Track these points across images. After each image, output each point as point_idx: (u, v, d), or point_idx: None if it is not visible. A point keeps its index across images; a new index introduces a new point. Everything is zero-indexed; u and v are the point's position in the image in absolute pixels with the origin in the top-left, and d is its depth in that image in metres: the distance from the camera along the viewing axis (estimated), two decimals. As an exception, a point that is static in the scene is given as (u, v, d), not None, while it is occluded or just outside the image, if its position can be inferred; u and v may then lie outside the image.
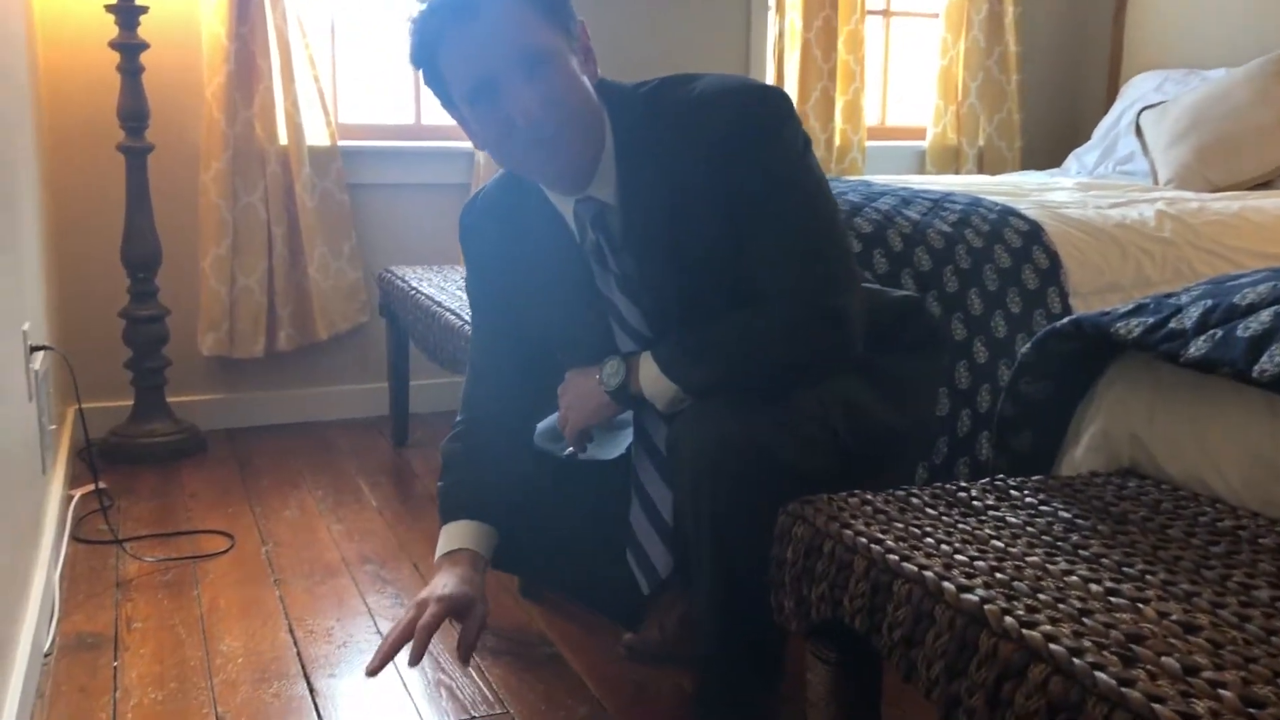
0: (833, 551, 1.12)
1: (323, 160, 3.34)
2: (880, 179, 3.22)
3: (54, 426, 2.34)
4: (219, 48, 3.13)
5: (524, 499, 1.66)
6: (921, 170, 4.09)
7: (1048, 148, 4.21)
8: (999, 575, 1.01)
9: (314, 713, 1.77)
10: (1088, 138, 3.94)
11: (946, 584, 0.98)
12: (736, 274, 1.47)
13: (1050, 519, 1.19)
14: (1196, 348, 1.20)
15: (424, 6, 1.40)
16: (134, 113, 3.00)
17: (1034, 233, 2.40)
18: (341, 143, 3.37)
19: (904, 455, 1.74)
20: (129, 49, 2.97)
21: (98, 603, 2.16)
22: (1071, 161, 3.85)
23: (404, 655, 1.49)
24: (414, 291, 2.80)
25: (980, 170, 4.07)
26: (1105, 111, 3.97)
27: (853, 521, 1.15)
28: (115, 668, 1.91)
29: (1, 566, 1.72)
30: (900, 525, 1.15)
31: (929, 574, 1.00)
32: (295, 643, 2.01)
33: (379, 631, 2.04)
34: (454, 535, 1.61)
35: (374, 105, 3.61)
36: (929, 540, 1.11)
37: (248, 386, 3.44)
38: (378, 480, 2.93)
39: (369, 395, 3.49)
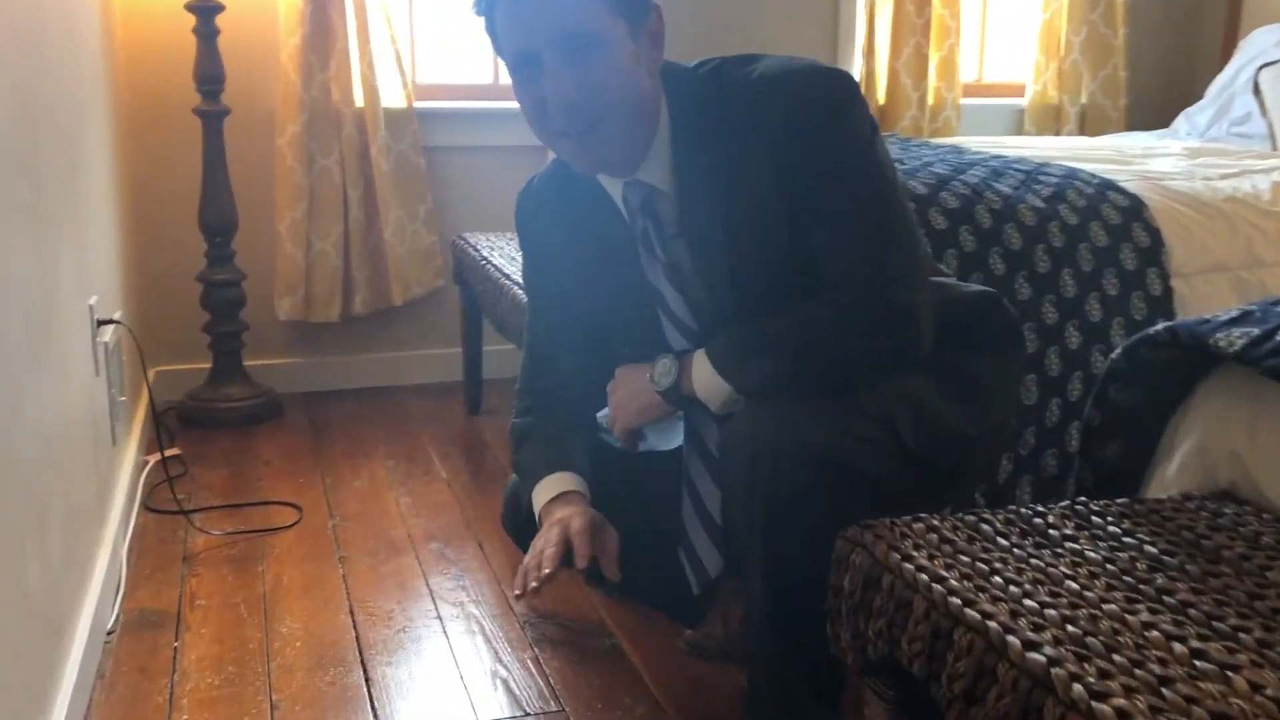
0: (892, 587, 1.04)
1: (399, 122, 3.29)
2: (974, 141, 3.07)
3: (124, 398, 2.34)
4: (294, 9, 3.09)
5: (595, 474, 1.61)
6: (1019, 130, 3.90)
7: (1156, 106, 3.98)
8: (1071, 628, 0.92)
9: (368, 703, 1.75)
10: (1200, 96, 3.71)
11: (1011, 638, 0.89)
12: (795, 266, 1.38)
13: (1134, 554, 1.08)
14: (1306, 368, 1.08)
15: None
16: (209, 76, 2.98)
17: (1135, 209, 2.24)
18: (418, 104, 3.32)
19: (974, 461, 1.63)
20: (205, 11, 2.94)
21: (163, 577, 2.17)
22: (1181, 122, 3.63)
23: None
24: (484, 262, 2.74)
25: (1082, 131, 3.86)
26: (1220, 68, 3.73)
27: (915, 554, 1.06)
28: (175, 648, 1.91)
29: (65, 544, 1.72)
30: (966, 559, 1.06)
31: (993, 624, 0.92)
32: (355, 625, 1.99)
33: (439, 615, 2.01)
34: (549, 486, 1.56)
35: (451, 65, 3.54)
36: (997, 579, 1.02)
37: (324, 351, 3.43)
38: (449, 450, 2.90)
39: (444, 360, 3.47)
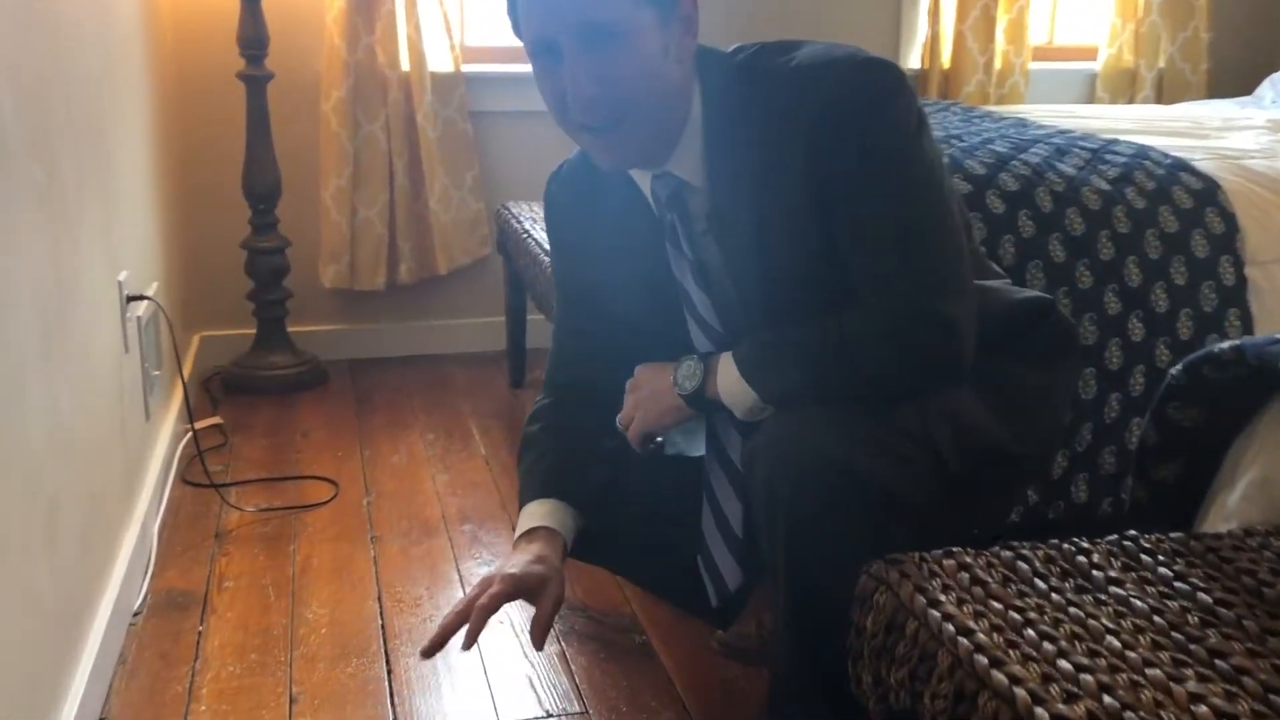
0: (916, 635, 0.96)
1: (446, 87, 3.21)
2: (1040, 111, 2.92)
3: (159, 371, 2.31)
4: (339, -30, 3.02)
5: (607, 486, 1.53)
6: (1090, 97, 3.72)
7: (1240, 71, 3.77)
8: (1108, 698, 0.84)
9: (388, 697, 1.71)
10: (1287, 61, 3.51)
11: (1041, 710, 0.81)
12: (829, 269, 1.29)
13: (1185, 603, 0.99)
14: (1388, 402, 0.97)
15: None
16: (253, 40, 2.93)
17: (1208, 191, 2.10)
18: (465, 68, 3.24)
19: (1018, 480, 1.54)
20: (247, -27, 2.88)
21: (194, 556, 2.15)
22: (1267, 88, 3.43)
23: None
24: (525, 235, 2.67)
25: (1159, 98, 3.68)
26: (1310, 31, 3.52)
27: (942, 598, 0.98)
28: (200, 632, 1.89)
29: (83, 529, 1.70)
30: (999, 605, 0.98)
31: (1021, 691, 0.84)
32: (381, 613, 1.95)
33: (467, 605, 1.97)
34: (533, 515, 1.48)
35: (500, 27, 3.45)
36: (1031, 633, 0.93)
37: (369, 318, 3.40)
38: (489, 425, 2.85)
39: (490, 329, 3.41)
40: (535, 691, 1.73)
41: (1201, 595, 1.00)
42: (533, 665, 1.80)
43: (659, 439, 1.45)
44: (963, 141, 2.21)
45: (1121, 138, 2.35)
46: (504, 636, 1.87)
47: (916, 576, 1.02)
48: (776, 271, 1.33)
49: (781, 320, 1.33)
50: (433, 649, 1.32)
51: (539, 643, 1.37)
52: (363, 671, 1.78)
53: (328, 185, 3.16)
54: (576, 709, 1.69)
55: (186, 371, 2.99)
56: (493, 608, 1.33)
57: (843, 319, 1.27)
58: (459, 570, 2.10)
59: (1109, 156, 2.17)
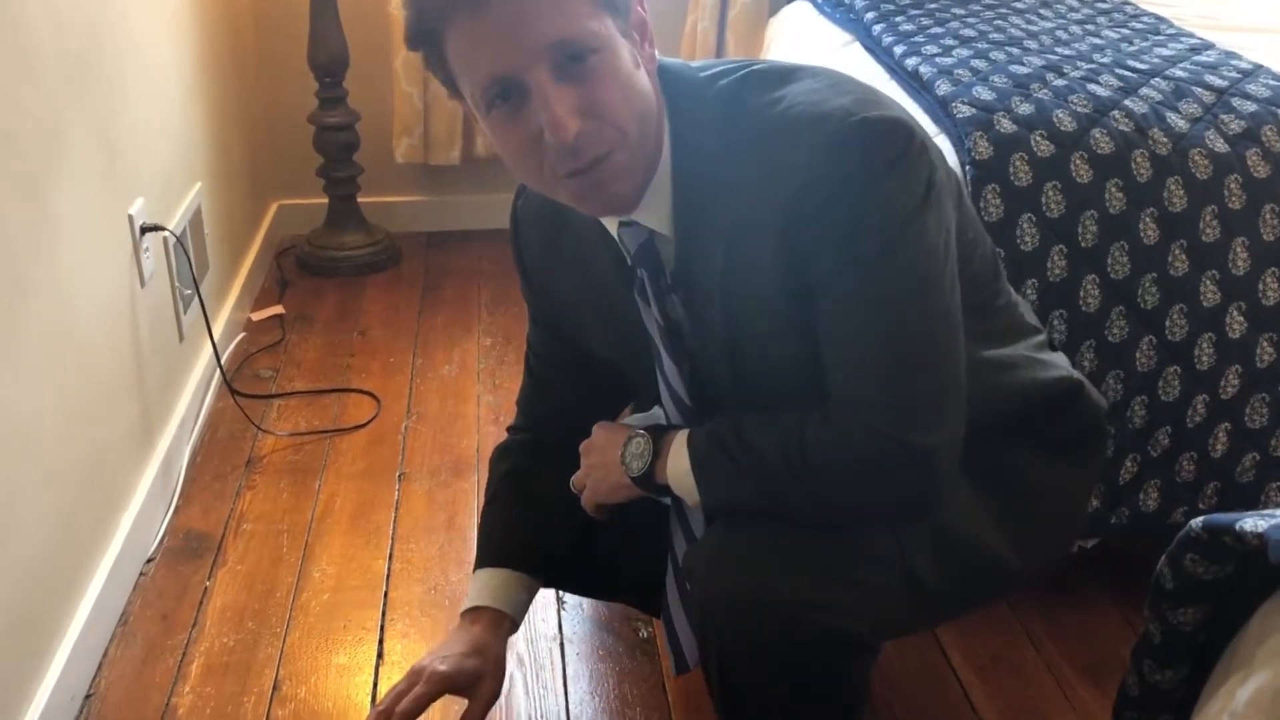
0: None
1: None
2: (1183, 18, 2.44)
3: (190, 291, 2.26)
4: None
5: (571, 546, 1.42)
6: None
7: None
8: None
9: (371, 689, 1.68)
10: None
11: None
12: (804, 351, 1.10)
13: None
14: None
15: None
16: (312, -99, 2.72)
17: (1357, 155, 1.75)
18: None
19: (1008, 589, 1.35)
20: None
21: (220, 489, 2.14)
22: None
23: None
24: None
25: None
26: None
27: None
28: (205, 589, 1.88)
29: (90, 479, 1.71)
30: None
31: None
32: (388, 579, 1.91)
33: (475, 572, 1.91)
34: (483, 587, 1.39)
35: None
36: None
37: (445, 191, 3.27)
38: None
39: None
40: (521, 699, 1.67)
41: None
42: (528, 656, 1.74)
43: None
44: (1063, 77, 1.88)
45: (1271, 65, 1.97)
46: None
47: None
48: (745, 345, 1.14)
49: (753, 402, 1.14)
50: None
51: None
52: (351, 655, 1.75)
53: (398, 54, 3.00)
54: (558, 709, 1.63)
55: (258, 243, 2.97)
56: (416, 711, 1.25)
57: (807, 429, 1.08)
58: (475, 527, 2.03)
59: (1236, 102, 1.82)
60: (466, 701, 1.31)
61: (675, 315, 1.18)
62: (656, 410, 1.30)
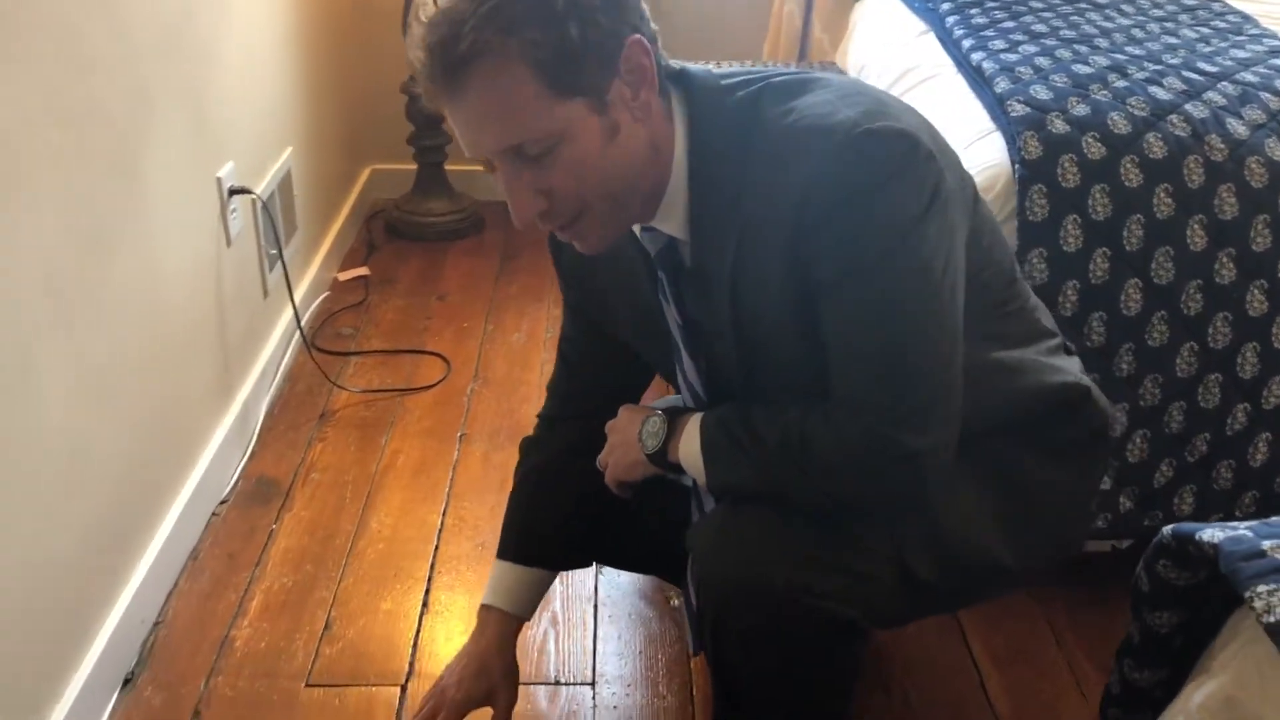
0: None
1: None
2: (1271, 15, 2.40)
3: (274, 250, 2.39)
4: None
5: (587, 536, 1.51)
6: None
7: None
8: None
9: (413, 637, 1.79)
10: None
11: None
12: (804, 353, 1.15)
13: None
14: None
15: (415, 58, 1.06)
16: (411, -123, 2.81)
17: None
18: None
19: (1006, 588, 1.38)
20: None
21: (293, 438, 2.27)
22: None
23: None
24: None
25: None
26: None
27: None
28: (271, 531, 2.01)
29: (169, 424, 1.85)
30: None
31: None
32: (440, 532, 2.02)
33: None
34: (496, 584, 1.49)
35: None
36: None
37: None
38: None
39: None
40: (551, 655, 1.76)
41: None
42: (560, 624, 1.82)
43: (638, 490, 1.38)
44: (1125, 78, 1.88)
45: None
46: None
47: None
48: (754, 343, 1.19)
49: (763, 397, 1.20)
50: None
51: None
52: (399, 604, 1.86)
53: (490, 28, 3.07)
54: (585, 679, 1.72)
55: (349, 206, 3.10)
56: None
57: (808, 423, 1.13)
58: (529, 487, 2.13)
59: (1304, 110, 1.80)
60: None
61: (692, 314, 1.25)
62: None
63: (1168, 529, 1.04)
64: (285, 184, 2.51)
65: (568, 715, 1.65)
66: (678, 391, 1.38)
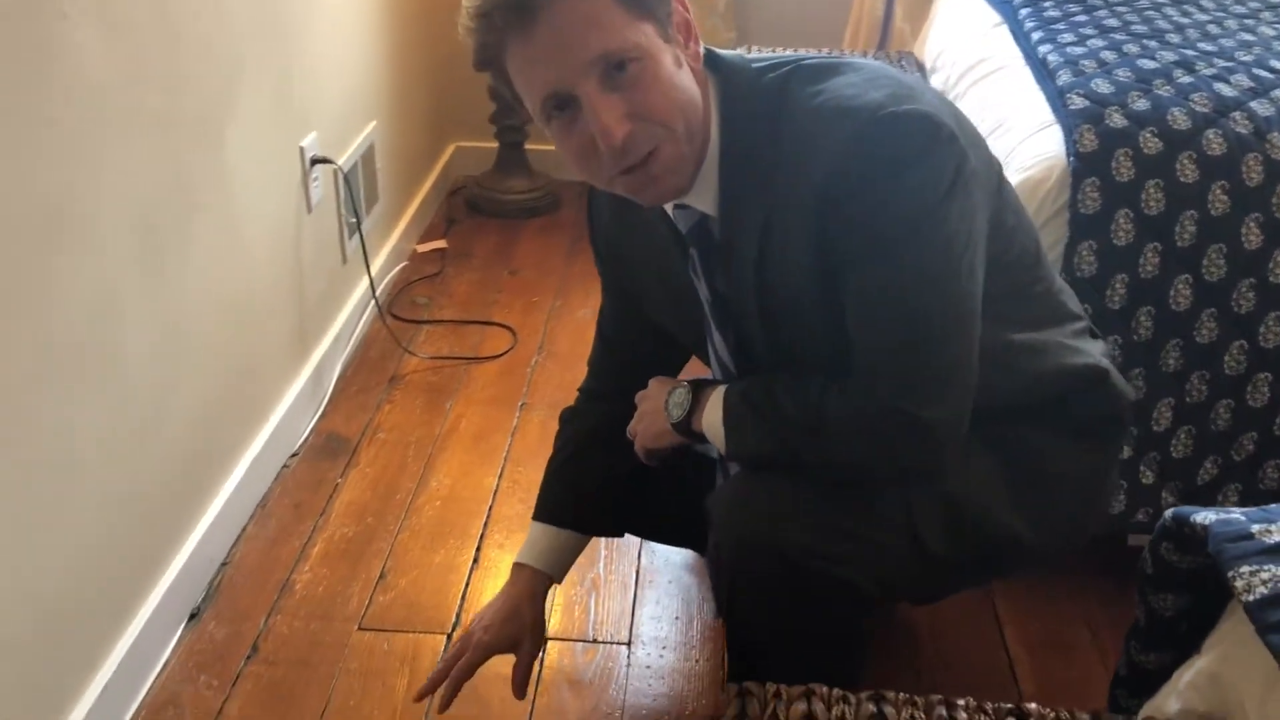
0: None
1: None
2: None
3: (355, 219, 2.49)
4: None
5: (621, 503, 1.57)
6: None
7: None
8: None
9: (462, 589, 1.87)
10: None
11: None
12: (826, 327, 1.20)
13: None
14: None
15: (474, 5, 1.13)
16: None
17: None
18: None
19: (1023, 563, 1.40)
20: None
21: (363, 400, 2.37)
22: None
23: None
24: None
25: None
26: None
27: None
28: (337, 485, 2.11)
29: (244, 379, 1.97)
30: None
31: None
32: (495, 494, 2.10)
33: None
34: (532, 544, 1.56)
35: None
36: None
37: (609, 145, 3.42)
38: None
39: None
40: (592, 611, 1.83)
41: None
42: (602, 583, 1.89)
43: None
44: (1191, 74, 1.88)
45: None
46: (593, 549, 1.93)
47: (754, 714, 1.00)
48: (779, 318, 1.24)
49: (788, 368, 1.25)
50: (420, 696, 1.49)
51: (519, 693, 1.48)
52: (451, 558, 1.94)
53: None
54: (621, 638, 1.78)
55: (432, 179, 3.20)
56: (466, 676, 1.45)
57: (827, 395, 1.18)
58: (584, 456, 2.20)
59: (1373, 111, 1.78)
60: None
61: (721, 289, 1.30)
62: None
63: (1169, 512, 1.07)
64: (368, 156, 2.61)
65: (602, 671, 1.72)
66: (709, 367, 1.43)
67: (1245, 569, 0.92)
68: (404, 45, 2.89)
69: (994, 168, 1.23)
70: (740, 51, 1.27)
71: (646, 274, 1.40)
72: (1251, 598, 0.90)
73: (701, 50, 1.20)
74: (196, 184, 1.77)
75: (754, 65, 1.22)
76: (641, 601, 1.85)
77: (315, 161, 2.25)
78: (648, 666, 1.73)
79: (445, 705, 1.45)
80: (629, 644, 1.77)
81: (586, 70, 1.10)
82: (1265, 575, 0.91)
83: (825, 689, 1.04)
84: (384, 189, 2.75)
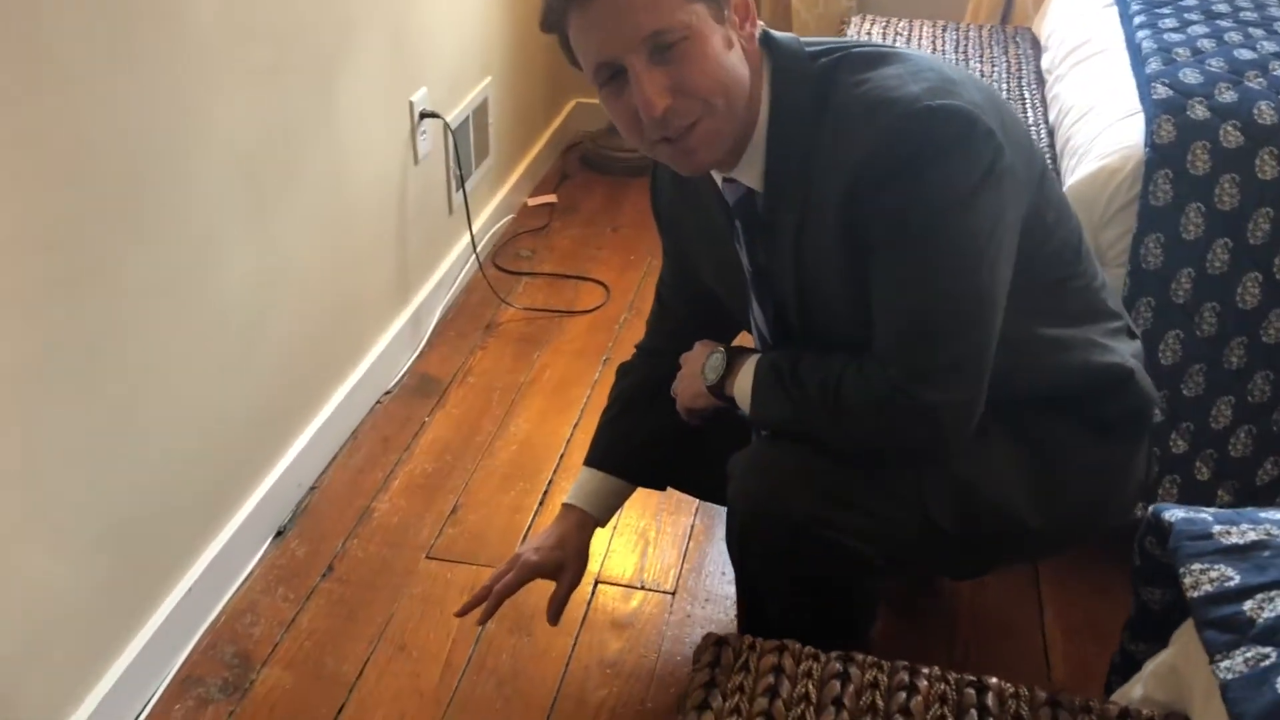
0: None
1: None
2: None
3: (460, 171, 2.61)
4: None
5: (669, 458, 1.63)
6: None
7: None
8: None
9: (526, 529, 1.98)
10: None
11: None
12: (856, 310, 1.25)
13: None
14: (1231, 668, 0.84)
15: None
16: None
17: None
18: None
19: (1030, 548, 1.43)
20: None
21: (458, 345, 2.50)
22: None
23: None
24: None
25: None
26: None
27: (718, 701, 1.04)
28: (425, 422, 2.25)
29: (344, 317, 2.11)
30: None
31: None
32: (569, 441, 2.20)
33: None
34: (581, 486, 1.63)
35: None
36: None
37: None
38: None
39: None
40: (642, 560, 1.92)
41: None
42: (656, 532, 1.98)
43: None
44: (1238, 60, 1.84)
45: None
46: (651, 504, 2.04)
47: (726, 661, 1.07)
48: (811, 294, 1.30)
49: (819, 345, 1.31)
50: (463, 612, 1.56)
51: (554, 620, 1.56)
52: (520, 499, 2.06)
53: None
54: (666, 588, 1.87)
55: (549, 135, 3.30)
56: (508, 593, 1.54)
57: (845, 373, 1.23)
58: (658, 412, 2.28)
59: None
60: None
61: (761, 262, 1.36)
62: None
63: (1151, 508, 1.10)
64: (480, 111, 2.72)
65: (645, 615, 1.81)
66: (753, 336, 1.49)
67: (1196, 566, 0.95)
68: (522, 2, 2.98)
69: (1035, 166, 1.25)
70: (793, 35, 1.32)
71: (700, 240, 1.47)
72: (1196, 594, 0.93)
73: (758, 32, 1.25)
74: (305, 130, 1.90)
75: (807, 49, 1.27)
76: (690, 556, 1.94)
77: (424, 115, 2.36)
78: (689, 615, 1.81)
79: (485, 618, 1.54)
80: (673, 593, 1.86)
81: (637, 45, 1.17)
82: (1214, 574, 0.94)
83: (798, 645, 1.10)
84: (496, 142, 2.86)
